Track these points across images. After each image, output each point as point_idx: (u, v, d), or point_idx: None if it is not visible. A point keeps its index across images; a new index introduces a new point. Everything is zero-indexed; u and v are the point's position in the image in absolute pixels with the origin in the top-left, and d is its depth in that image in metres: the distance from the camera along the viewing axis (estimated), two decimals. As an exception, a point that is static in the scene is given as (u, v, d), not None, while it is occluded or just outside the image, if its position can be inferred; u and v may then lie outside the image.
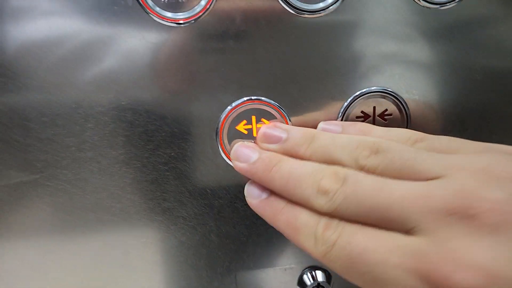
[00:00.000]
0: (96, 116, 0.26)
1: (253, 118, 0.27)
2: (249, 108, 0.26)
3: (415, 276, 0.18)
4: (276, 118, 0.27)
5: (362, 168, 0.21)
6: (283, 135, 0.25)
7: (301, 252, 0.31)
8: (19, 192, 0.27)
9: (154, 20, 0.24)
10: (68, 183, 0.27)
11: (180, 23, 0.24)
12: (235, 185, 0.29)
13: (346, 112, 0.27)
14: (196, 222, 0.29)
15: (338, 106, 0.27)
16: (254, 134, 0.27)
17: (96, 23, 0.24)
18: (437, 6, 0.26)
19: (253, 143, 0.27)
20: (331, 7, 0.25)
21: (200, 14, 0.24)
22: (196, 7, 0.24)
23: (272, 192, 0.24)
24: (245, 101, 0.26)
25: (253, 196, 0.25)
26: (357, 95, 0.27)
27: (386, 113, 0.27)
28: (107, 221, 0.28)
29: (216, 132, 0.27)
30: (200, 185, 0.28)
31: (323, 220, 0.21)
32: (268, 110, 0.27)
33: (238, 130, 0.27)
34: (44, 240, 0.28)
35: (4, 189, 0.27)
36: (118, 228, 0.29)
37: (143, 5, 0.23)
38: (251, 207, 0.25)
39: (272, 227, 0.30)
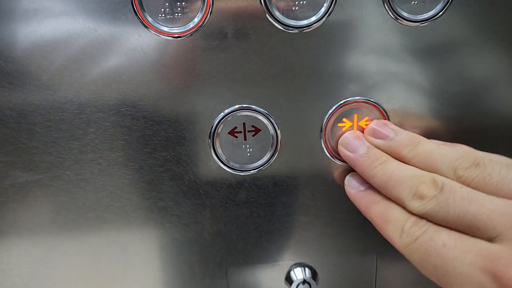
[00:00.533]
0: (97, 121, 0.27)
1: (244, 124, 0.28)
2: (240, 115, 0.28)
3: (485, 274, 0.19)
4: (265, 125, 0.28)
5: (458, 178, 0.23)
6: (391, 135, 0.27)
7: (289, 250, 0.32)
8: (25, 191, 0.28)
9: (152, 33, 0.25)
10: (70, 183, 0.28)
11: (176, 37, 0.26)
12: (226, 186, 0.30)
13: (330, 120, 0.29)
14: (190, 221, 0.30)
15: (323, 114, 0.28)
16: (245, 139, 0.28)
17: (96, 34, 0.25)
18: (417, 23, 0.27)
19: (362, 134, 0.28)
20: (314, 24, 0.26)
21: (194, 29, 0.25)
22: (190, 23, 0.25)
23: (369, 185, 0.26)
24: (236, 108, 0.28)
25: (352, 186, 0.27)
26: (340, 104, 0.28)
27: (367, 120, 0.29)
28: (107, 218, 0.29)
29: (209, 137, 0.28)
30: (194, 186, 0.29)
31: (413, 218, 0.23)
32: (258, 117, 0.28)
33: (229, 135, 0.28)
34: (47, 236, 0.29)
35: (10, 188, 0.28)
36: (117, 225, 0.30)
37: (142, 20, 0.25)
38: (348, 195, 0.27)
39: (261, 226, 0.32)
